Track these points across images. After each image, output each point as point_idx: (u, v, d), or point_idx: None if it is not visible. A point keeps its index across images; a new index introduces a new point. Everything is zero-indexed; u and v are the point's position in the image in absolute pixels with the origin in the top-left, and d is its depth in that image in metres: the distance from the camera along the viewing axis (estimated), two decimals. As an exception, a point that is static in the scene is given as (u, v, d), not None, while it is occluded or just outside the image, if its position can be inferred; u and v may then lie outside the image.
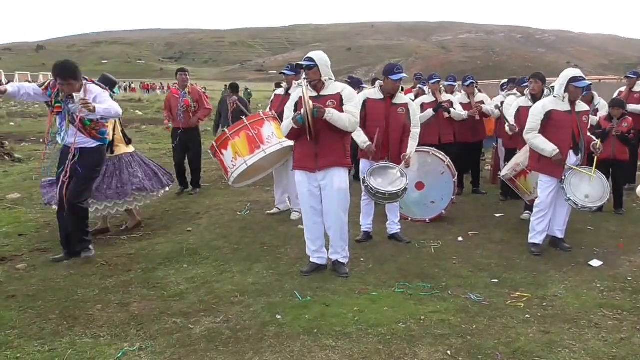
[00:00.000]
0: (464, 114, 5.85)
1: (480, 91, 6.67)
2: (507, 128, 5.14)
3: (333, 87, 3.50)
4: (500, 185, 6.03)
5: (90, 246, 3.99)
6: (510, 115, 5.17)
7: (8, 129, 13.74)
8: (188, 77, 6.30)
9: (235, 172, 4.41)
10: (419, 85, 6.64)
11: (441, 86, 6.06)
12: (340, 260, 3.64)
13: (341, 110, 3.43)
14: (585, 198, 4.03)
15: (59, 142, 3.93)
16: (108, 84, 4.42)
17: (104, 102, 3.76)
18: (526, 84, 5.35)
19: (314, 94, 3.48)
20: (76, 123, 3.77)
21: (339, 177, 3.49)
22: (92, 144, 3.88)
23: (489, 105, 6.24)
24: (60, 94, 3.78)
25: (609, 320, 2.95)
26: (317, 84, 3.48)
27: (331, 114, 3.35)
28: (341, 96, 3.46)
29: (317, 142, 3.43)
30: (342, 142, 3.50)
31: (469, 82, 6.34)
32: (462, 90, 6.52)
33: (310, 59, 3.45)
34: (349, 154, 3.58)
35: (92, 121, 3.82)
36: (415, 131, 4.36)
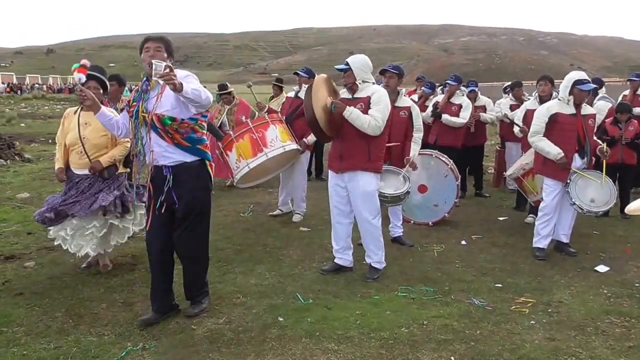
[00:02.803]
0: (459, 122, 5.72)
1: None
2: (516, 130, 5.14)
3: (366, 90, 3.49)
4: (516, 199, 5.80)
5: (205, 300, 3.06)
6: (518, 119, 5.18)
7: (19, 130, 13.85)
8: (122, 89, 4.61)
9: (239, 174, 4.46)
10: (422, 88, 6.64)
11: (462, 89, 5.99)
12: (373, 265, 3.63)
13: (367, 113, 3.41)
14: (590, 202, 4.01)
15: (146, 160, 2.82)
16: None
17: (191, 84, 2.66)
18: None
19: (350, 96, 3.52)
20: (149, 116, 2.68)
21: (363, 181, 3.48)
22: (187, 157, 2.79)
23: (491, 113, 6.26)
24: (139, 90, 2.82)
25: (617, 327, 2.92)
26: (352, 87, 3.52)
27: (349, 112, 3.37)
28: (370, 99, 3.45)
29: (342, 143, 3.49)
30: (367, 146, 3.43)
31: (470, 88, 6.26)
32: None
33: (346, 63, 3.50)
34: (376, 157, 3.51)
35: (175, 120, 2.71)
36: (417, 135, 4.36)
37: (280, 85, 7.21)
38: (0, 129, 11.35)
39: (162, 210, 2.80)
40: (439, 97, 6.15)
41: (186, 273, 3.00)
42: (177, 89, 2.51)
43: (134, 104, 2.78)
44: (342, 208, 3.63)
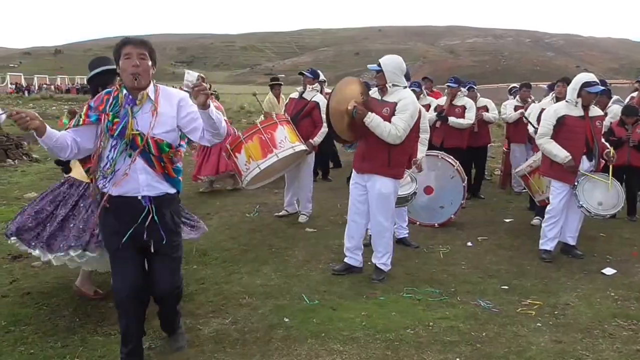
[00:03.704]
0: (465, 123, 5.74)
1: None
2: (530, 130, 5.18)
3: (395, 94, 3.46)
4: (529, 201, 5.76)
5: (182, 324, 2.73)
6: (533, 118, 5.20)
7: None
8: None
9: (249, 176, 4.46)
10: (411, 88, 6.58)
11: (461, 89, 6.00)
12: (378, 266, 3.65)
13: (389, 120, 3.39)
14: (598, 205, 3.98)
15: (108, 187, 2.30)
16: None
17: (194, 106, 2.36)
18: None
19: (379, 98, 3.53)
20: (143, 139, 2.25)
21: (380, 183, 3.49)
22: (170, 188, 2.39)
23: (493, 112, 6.24)
24: (117, 101, 2.28)
25: (624, 330, 2.90)
26: (382, 89, 3.51)
27: (370, 119, 3.36)
28: (396, 105, 3.42)
29: (365, 145, 3.51)
30: (387, 151, 3.42)
31: (468, 86, 6.24)
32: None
33: (379, 64, 3.49)
34: (397, 164, 3.50)
35: (171, 147, 2.34)
36: (424, 136, 4.36)
37: (279, 83, 6.75)
38: (9, 128, 11.40)
39: (127, 246, 2.32)
40: (440, 99, 6.15)
41: (167, 306, 2.56)
42: (206, 105, 2.18)
43: (116, 120, 2.25)
44: (360, 207, 3.64)
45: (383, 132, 3.36)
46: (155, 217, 2.31)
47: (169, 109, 2.32)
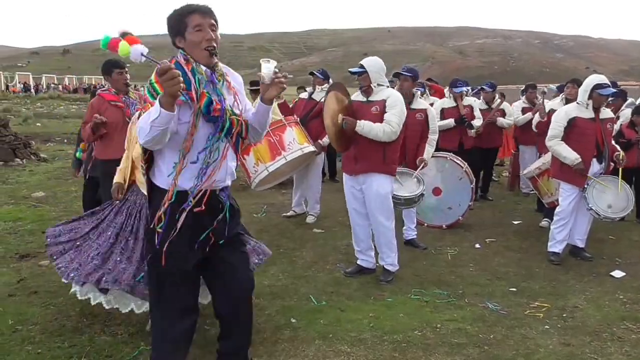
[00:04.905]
0: (481, 122, 5.77)
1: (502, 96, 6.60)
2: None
3: (381, 93, 3.51)
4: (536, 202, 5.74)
5: None
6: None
7: (35, 130, 14.07)
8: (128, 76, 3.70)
9: (257, 178, 4.46)
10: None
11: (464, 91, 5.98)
12: (386, 267, 3.65)
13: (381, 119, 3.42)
14: (607, 208, 3.94)
15: (197, 184, 1.91)
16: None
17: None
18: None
19: (364, 99, 3.55)
20: (238, 122, 1.95)
21: (377, 183, 3.49)
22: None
23: (509, 118, 6.20)
24: (197, 78, 1.89)
25: (633, 333, 2.87)
26: (367, 90, 3.54)
27: (361, 127, 3.40)
28: (385, 102, 3.46)
29: (357, 146, 3.51)
30: (382, 148, 3.45)
31: (479, 88, 6.30)
32: (481, 97, 6.45)
33: (361, 66, 3.52)
34: (391, 160, 3.53)
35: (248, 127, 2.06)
36: (432, 137, 4.34)
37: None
38: (17, 128, 11.53)
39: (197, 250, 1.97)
40: (443, 102, 6.10)
41: (246, 313, 2.22)
42: (272, 101, 1.97)
43: (214, 98, 1.90)
44: (360, 210, 3.65)
45: (378, 133, 3.39)
46: (227, 211, 1.99)
47: (239, 86, 2.08)
